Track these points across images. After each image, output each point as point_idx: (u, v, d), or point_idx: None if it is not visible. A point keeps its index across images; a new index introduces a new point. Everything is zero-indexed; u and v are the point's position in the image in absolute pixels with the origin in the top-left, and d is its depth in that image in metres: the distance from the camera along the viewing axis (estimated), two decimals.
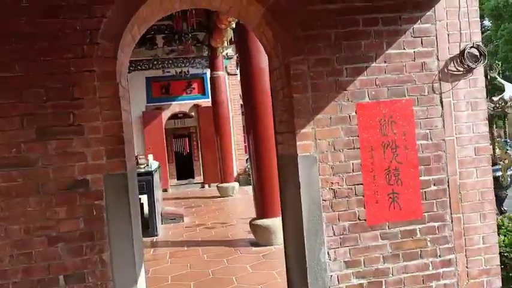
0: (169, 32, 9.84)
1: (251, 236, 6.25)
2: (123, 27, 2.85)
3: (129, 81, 3.40)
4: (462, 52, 3.12)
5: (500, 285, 3.22)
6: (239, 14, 3.44)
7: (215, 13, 7.90)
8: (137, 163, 7.02)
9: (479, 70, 3.19)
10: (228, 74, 13.25)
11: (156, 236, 7.14)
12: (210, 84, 12.05)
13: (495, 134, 8.87)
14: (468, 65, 3.12)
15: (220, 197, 11.19)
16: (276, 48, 3.20)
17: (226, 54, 11.92)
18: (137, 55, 10.44)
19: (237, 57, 9.31)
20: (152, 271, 5.29)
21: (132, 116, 3.49)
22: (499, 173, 7.84)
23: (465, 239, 3.15)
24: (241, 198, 10.71)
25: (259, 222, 5.87)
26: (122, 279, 2.83)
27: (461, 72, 3.16)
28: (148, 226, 7.07)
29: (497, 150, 8.44)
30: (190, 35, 10.00)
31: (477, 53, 3.14)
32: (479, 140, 3.20)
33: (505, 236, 3.98)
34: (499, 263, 3.24)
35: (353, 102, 3.07)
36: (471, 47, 3.13)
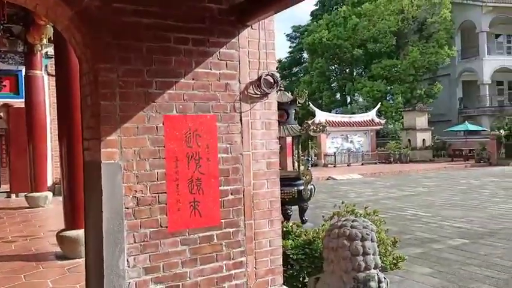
0: None
1: (59, 249, 5.83)
2: None
3: None
4: (259, 78, 3.57)
5: (282, 282, 3.72)
6: (47, 14, 3.29)
7: None
8: None
9: (273, 95, 3.69)
10: (49, 74, 12.16)
11: None
12: (25, 83, 10.86)
13: (300, 152, 10.13)
14: (264, 90, 3.58)
15: (29, 207, 10.09)
16: (85, 53, 3.14)
17: (46, 53, 10.95)
18: None
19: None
20: None
21: None
22: (302, 187, 8.97)
23: (255, 242, 3.56)
24: (55, 209, 9.83)
25: (67, 233, 5.53)
26: None
27: (258, 96, 3.60)
28: None
29: (301, 167, 9.66)
30: (1, 26, 8.89)
31: (272, 80, 3.62)
32: (271, 156, 3.67)
33: (293, 240, 4.59)
34: (282, 263, 3.74)
35: (161, 114, 3.21)
36: (267, 75, 3.60)
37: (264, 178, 3.62)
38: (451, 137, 31.24)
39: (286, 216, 7.70)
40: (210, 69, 3.40)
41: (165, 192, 3.20)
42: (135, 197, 3.09)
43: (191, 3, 3.31)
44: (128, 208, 3.06)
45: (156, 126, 3.19)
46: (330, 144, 26.98)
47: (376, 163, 27.32)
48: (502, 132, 25.63)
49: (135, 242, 3.08)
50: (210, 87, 3.40)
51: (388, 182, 18.47)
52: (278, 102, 7.46)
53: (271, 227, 3.64)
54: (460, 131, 31.06)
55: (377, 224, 4.74)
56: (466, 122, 31.25)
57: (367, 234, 3.60)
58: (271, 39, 3.67)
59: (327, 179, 20.47)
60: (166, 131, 3.22)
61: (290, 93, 8.51)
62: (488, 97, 34.88)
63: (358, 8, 35.26)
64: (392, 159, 27.70)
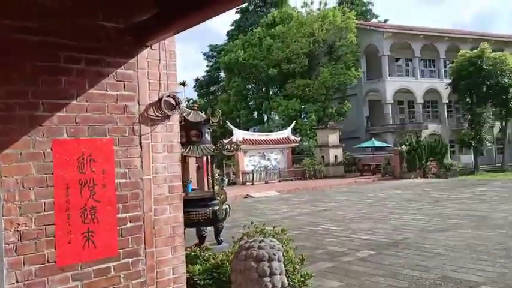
0: None
1: None
2: None
3: None
4: (160, 100, 3.46)
5: None
6: None
7: None
8: None
9: (176, 117, 3.59)
10: None
11: None
12: None
13: (216, 171, 10.03)
14: (165, 112, 3.47)
15: None
16: None
17: None
18: None
19: None
20: None
21: None
22: (217, 207, 8.86)
23: (157, 271, 3.39)
24: None
25: None
26: None
27: (160, 118, 3.48)
28: None
29: (216, 187, 9.56)
30: None
31: (173, 102, 3.53)
32: (173, 179, 3.55)
33: (201, 265, 4.47)
34: None
35: (49, 139, 2.96)
36: (168, 96, 3.50)
37: (166, 203, 3.49)
38: (360, 153, 33.19)
39: (201, 238, 7.54)
40: (106, 90, 3.22)
41: (54, 224, 2.93)
42: (18, 230, 2.79)
43: (83, 21, 3.13)
44: (8, 244, 2.75)
45: (43, 152, 2.93)
46: (247, 162, 27.24)
47: (292, 179, 28.05)
48: (404, 147, 27.78)
49: (17, 282, 2.76)
50: (106, 109, 3.21)
51: (303, 198, 19.01)
52: (192, 122, 7.38)
53: (174, 254, 3.49)
54: (367, 147, 33.12)
55: (285, 242, 4.78)
56: (373, 138, 33.49)
57: (273, 254, 3.60)
58: (172, 60, 3.59)
59: (245, 197, 20.56)
60: (55, 156, 2.97)
61: (204, 112, 8.45)
62: (391, 115, 37.73)
63: (272, 30, 36.50)
64: (307, 176, 28.63)
